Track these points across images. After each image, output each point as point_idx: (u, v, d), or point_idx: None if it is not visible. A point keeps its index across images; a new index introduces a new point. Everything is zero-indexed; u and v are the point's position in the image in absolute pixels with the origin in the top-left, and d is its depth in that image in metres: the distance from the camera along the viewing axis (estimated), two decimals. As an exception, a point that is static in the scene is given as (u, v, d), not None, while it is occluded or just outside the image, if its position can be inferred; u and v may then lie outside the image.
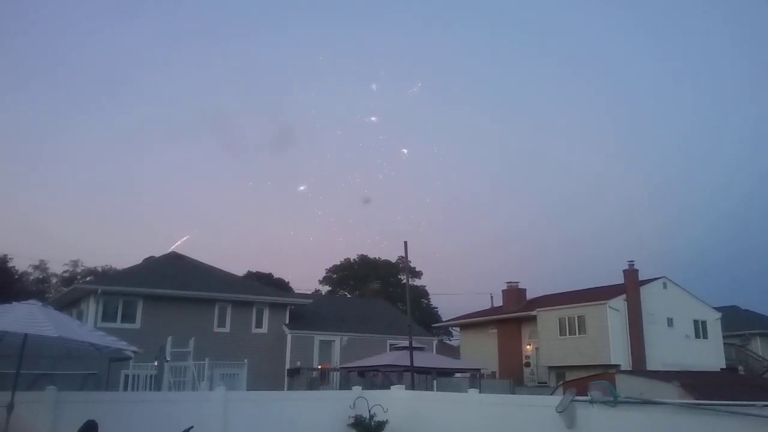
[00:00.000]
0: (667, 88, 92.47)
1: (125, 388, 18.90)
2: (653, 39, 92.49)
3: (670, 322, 35.07)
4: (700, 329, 36.27)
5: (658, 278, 36.21)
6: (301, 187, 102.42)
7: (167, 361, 18.94)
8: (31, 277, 57.49)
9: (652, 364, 31.58)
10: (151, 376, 19.06)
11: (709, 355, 34.97)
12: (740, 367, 36.88)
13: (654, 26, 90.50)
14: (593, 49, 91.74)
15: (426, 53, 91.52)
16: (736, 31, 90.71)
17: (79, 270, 58.81)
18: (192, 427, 8.15)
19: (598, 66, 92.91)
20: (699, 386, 12.00)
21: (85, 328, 9.91)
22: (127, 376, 19.57)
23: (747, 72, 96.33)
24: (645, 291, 34.62)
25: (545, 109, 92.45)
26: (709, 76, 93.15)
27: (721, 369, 33.99)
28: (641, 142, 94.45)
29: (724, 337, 37.51)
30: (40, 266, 58.17)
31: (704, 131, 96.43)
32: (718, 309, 38.26)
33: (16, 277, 52.41)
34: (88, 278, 51.06)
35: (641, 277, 35.03)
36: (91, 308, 26.43)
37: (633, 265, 34.91)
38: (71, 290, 29.97)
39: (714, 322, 36.95)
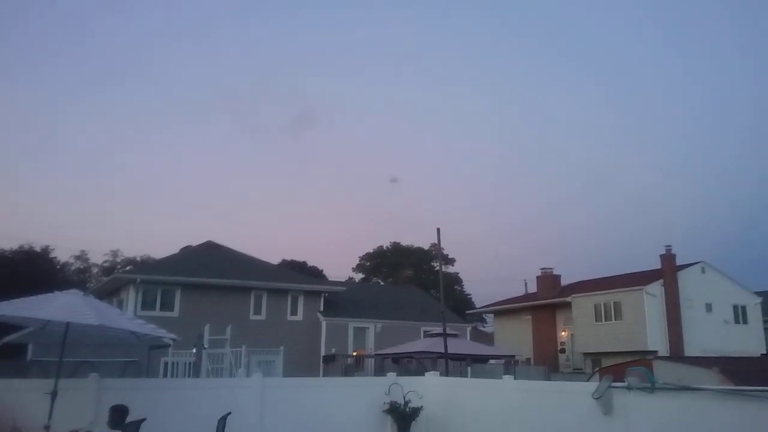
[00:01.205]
0: (715, 51, 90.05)
1: (165, 375, 19.33)
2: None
3: (708, 307, 34.45)
4: (740, 314, 35.57)
5: (697, 263, 35.56)
6: (331, 174, 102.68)
7: (205, 348, 19.28)
8: (73, 267, 58.89)
9: (691, 350, 31.11)
10: (189, 363, 19.43)
11: (749, 341, 34.28)
12: (782, 353, 36.07)
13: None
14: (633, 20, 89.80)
15: (456, 29, 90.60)
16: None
17: (118, 260, 60.09)
18: (230, 413, 8.29)
19: (636, 32, 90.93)
20: (739, 372, 11.79)
21: (125, 317, 10.13)
22: (166, 364, 20.00)
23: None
24: (683, 276, 34.05)
25: (573, 84, 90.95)
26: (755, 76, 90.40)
27: (761, 354, 33.30)
28: (673, 113, 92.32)
29: (765, 321, 36.72)
30: (81, 256, 59.56)
31: (743, 97, 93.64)
32: (758, 293, 37.42)
33: (58, 267, 53.73)
34: (127, 268, 52.13)
35: (679, 262, 34.45)
36: (131, 297, 27.01)
37: (670, 249, 34.34)
38: (111, 280, 30.68)
39: (754, 306, 36.18)
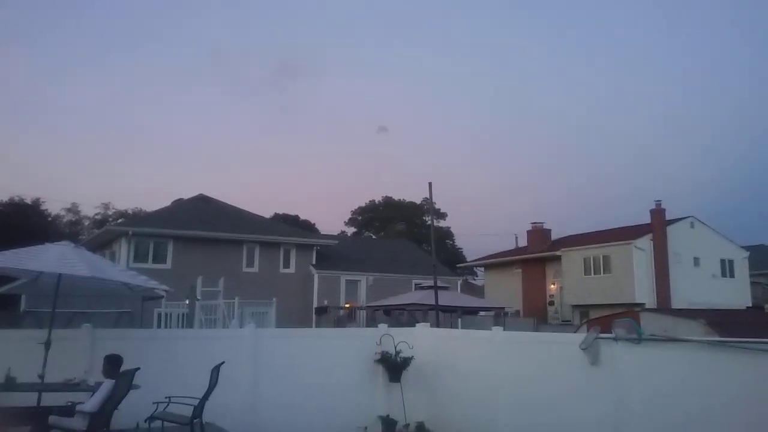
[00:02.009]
0: (718, 43, 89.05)
1: (158, 326, 19.48)
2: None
3: (696, 261, 34.86)
4: (727, 268, 36.03)
5: (686, 218, 35.81)
6: (321, 127, 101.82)
7: (198, 300, 19.41)
8: (64, 220, 58.68)
9: (678, 303, 31.58)
10: (183, 314, 19.58)
11: (736, 294, 34.79)
12: (766, 306, 36.66)
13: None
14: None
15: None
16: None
17: (110, 212, 59.85)
18: (223, 362, 8.38)
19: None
20: (724, 324, 11.98)
21: (117, 268, 10.14)
22: (159, 315, 20.15)
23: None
24: (672, 231, 34.32)
25: (566, 40, 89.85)
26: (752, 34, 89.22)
27: (747, 307, 33.85)
28: (667, 73, 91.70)
29: (751, 276, 37.25)
30: (72, 209, 59.30)
31: (730, 57, 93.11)
32: (745, 248, 37.84)
33: (49, 220, 53.49)
34: (119, 220, 52.00)
35: (668, 217, 34.67)
36: (123, 249, 27.04)
37: (660, 204, 34.53)
38: (103, 232, 30.63)
39: (741, 261, 36.64)
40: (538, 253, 39.52)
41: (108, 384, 7.17)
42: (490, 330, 11.19)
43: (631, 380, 7.73)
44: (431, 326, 13.73)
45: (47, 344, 7.97)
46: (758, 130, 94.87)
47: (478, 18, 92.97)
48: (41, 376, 7.74)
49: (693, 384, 7.10)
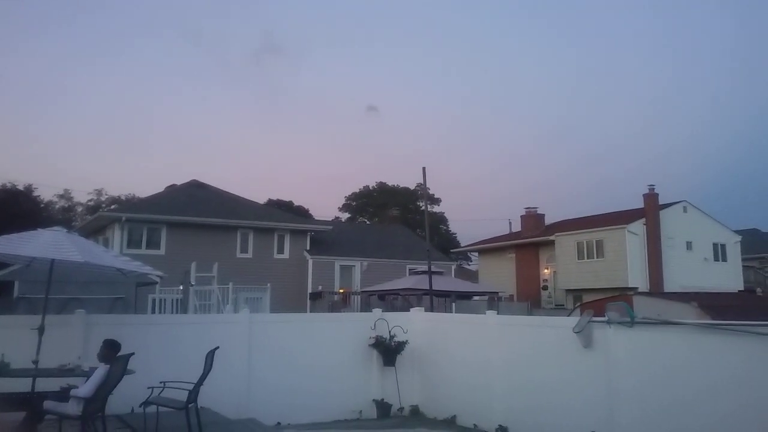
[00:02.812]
0: (701, 28, 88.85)
1: (152, 312, 19.47)
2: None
3: (689, 245, 35.01)
4: (720, 252, 36.21)
5: (679, 202, 35.92)
6: (313, 112, 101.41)
7: (192, 285, 19.40)
8: (57, 206, 58.39)
9: (671, 287, 31.72)
10: (177, 300, 19.58)
11: (728, 278, 34.99)
12: (758, 289, 36.94)
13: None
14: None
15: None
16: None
17: (103, 198, 59.57)
18: (218, 347, 8.39)
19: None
20: (716, 307, 12.05)
21: (111, 254, 10.11)
22: (154, 300, 20.13)
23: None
24: (665, 215, 34.43)
25: (557, 21, 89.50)
26: (742, 21, 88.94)
27: (739, 291, 34.07)
28: (657, 54, 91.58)
29: (743, 259, 37.46)
30: (65, 195, 59.02)
31: (723, 45, 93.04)
32: (738, 232, 38.02)
33: (42, 206, 53.21)
34: (112, 206, 51.80)
35: (661, 201, 34.76)
36: (117, 235, 26.96)
37: (653, 189, 34.58)
38: (96, 218, 30.52)
39: (733, 245, 36.82)
40: (531, 238, 39.61)
41: (102, 369, 7.17)
42: (484, 314, 11.25)
43: (624, 363, 7.79)
44: (425, 311, 13.80)
45: (41, 330, 7.94)
46: (751, 113, 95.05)
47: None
48: (35, 362, 7.72)
49: (685, 366, 7.16)
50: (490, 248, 43.35)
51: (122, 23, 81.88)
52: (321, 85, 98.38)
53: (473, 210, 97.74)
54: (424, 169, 19.25)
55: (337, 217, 63.14)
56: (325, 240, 32.92)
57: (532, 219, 41.14)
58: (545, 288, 38.38)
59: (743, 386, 6.54)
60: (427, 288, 19.16)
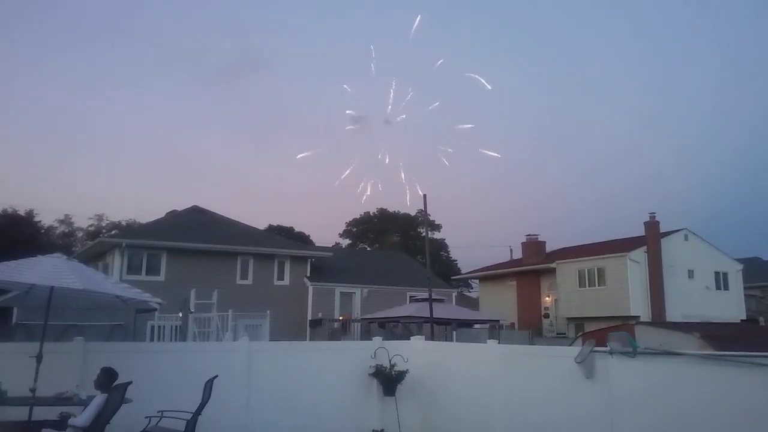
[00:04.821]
0: (694, 50, 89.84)
1: (151, 339, 19.35)
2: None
3: (690, 273, 34.92)
4: (721, 281, 36.10)
5: (680, 230, 35.94)
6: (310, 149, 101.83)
7: (191, 312, 19.32)
8: (57, 231, 58.42)
9: (672, 315, 31.58)
10: (176, 327, 19.47)
11: (730, 307, 34.85)
12: (761, 319, 36.74)
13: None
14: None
15: None
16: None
17: (103, 224, 59.62)
18: (216, 376, 8.32)
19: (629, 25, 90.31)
20: (719, 337, 11.97)
21: (110, 281, 10.08)
22: (152, 327, 20.02)
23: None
24: (666, 243, 34.41)
25: (576, 63, 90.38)
26: (733, 41, 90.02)
27: (741, 320, 33.89)
28: (665, 102, 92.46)
29: (745, 288, 37.32)
30: (65, 220, 59.08)
31: (728, 91, 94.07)
32: (740, 260, 37.96)
33: (42, 231, 53.25)
34: (112, 232, 51.80)
35: (663, 230, 34.77)
36: (117, 261, 26.91)
37: (654, 216, 34.61)
38: (96, 244, 30.49)
39: (735, 273, 36.72)
40: (532, 265, 39.55)
41: (100, 398, 7.11)
42: (485, 343, 11.17)
43: (626, 394, 7.72)
44: (426, 339, 13.70)
45: (39, 358, 7.89)
46: (760, 153, 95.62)
47: (473, 25, 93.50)
48: (33, 390, 7.66)
49: (688, 397, 7.09)
50: (491, 275, 43.25)
51: (122, 55, 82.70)
52: (322, 108, 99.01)
53: (474, 236, 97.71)
54: (425, 196, 19.29)
55: (337, 243, 63.12)
56: (326, 266, 32.85)
57: (533, 246, 41.10)
58: (546, 316, 38.20)
59: (748, 417, 6.47)
60: (428, 316, 19.07)
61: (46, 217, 60.12)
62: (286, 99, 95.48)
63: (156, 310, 19.22)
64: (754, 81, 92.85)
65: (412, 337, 12.97)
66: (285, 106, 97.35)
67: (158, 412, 7.84)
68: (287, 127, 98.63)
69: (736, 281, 36.63)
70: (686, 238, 35.88)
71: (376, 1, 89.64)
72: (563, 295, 36.23)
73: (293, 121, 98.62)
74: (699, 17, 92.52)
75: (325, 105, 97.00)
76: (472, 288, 59.08)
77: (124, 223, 57.31)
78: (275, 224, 60.04)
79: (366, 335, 25.30)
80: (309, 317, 30.17)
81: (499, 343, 11.77)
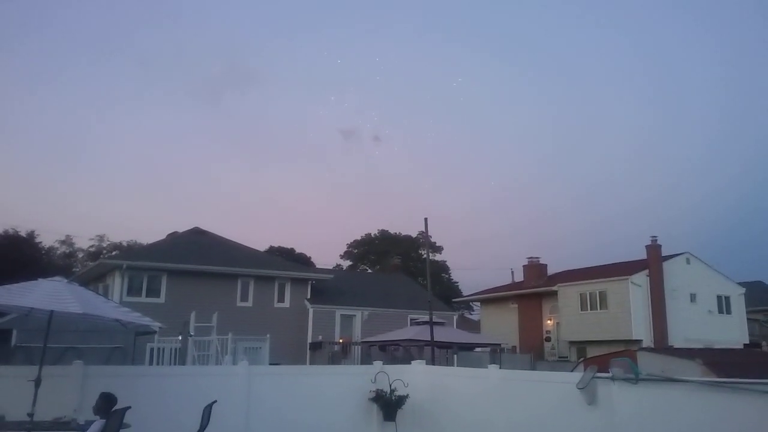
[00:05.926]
0: (696, 72, 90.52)
1: (150, 362, 19.23)
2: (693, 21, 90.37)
3: (693, 297, 34.79)
4: (724, 305, 35.95)
5: (682, 254, 35.87)
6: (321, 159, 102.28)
7: (191, 335, 19.23)
8: (58, 252, 58.41)
9: (675, 339, 31.43)
10: (175, 349, 19.36)
11: (733, 331, 34.67)
12: (764, 343, 36.52)
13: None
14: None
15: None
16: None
17: (104, 245, 59.57)
18: (215, 401, 8.27)
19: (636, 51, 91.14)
20: (722, 364, 11.91)
21: (110, 304, 10.05)
22: (152, 350, 19.91)
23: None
24: (668, 266, 34.33)
25: (581, 88, 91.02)
26: (736, 64, 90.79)
27: (744, 345, 33.70)
28: (667, 124, 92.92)
29: (748, 312, 37.15)
30: (66, 241, 59.06)
31: (730, 114, 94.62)
32: (742, 284, 37.83)
33: (43, 252, 53.27)
34: (113, 253, 51.77)
35: (664, 253, 34.71)
36: (117, 283, 26.84)
37: (656, 240, 34.58)
38: (97, 265, 30.44)
39: (738, 297, 36.57)
40: (534, 288, 39.43)
41: (98, 424, 7.05)
42: (486, 368, 11.12)
43: (627, 420, 7.66)
44: (426, 363, 13.64)
45: (37, 381, 7.85)
46: (761, 175, 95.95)
47: (454, 18, 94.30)
48: (30, 415, 7.61)
49: (690, 424, 7.04)
50: (493, 298, 43.12)
51: (117, 73, 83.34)
52: (322, 131, 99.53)
53: (475, 258, 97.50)
54: (426, 219, 19.36)
55: (338, 265, 63.02)
56: (326, 288, 32.76)
57: (535, 269, 41.02)
58: (548, 339, 37.99)
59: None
60: (429, 339, 18.99)
61: (47, 238, 60.37)
62: (278, 115, 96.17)
63: (156, 332, 19.14)
64: (755, 103, 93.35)
65: (413, 362, 12.92)
66: (278, 122, 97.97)
67: (156, 437, 7.78)
68: (280, 143, 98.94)
69: (739, 305, 36.47)
70: (688, 261, 35.81)
71: (372, 18, 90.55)
72: (565, 319, 36.07)
73: (286, 137, 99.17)
74: (700, 41, 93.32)
75: (317, 121, 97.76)
76: (473, 310, 58.85)
77: (125, 243, 57.31)
78: (276, 245, 60.04)
79: (366, 358, 25.17)
80: (309, 340, 30.01)
81: (500, 367, 11.72)
